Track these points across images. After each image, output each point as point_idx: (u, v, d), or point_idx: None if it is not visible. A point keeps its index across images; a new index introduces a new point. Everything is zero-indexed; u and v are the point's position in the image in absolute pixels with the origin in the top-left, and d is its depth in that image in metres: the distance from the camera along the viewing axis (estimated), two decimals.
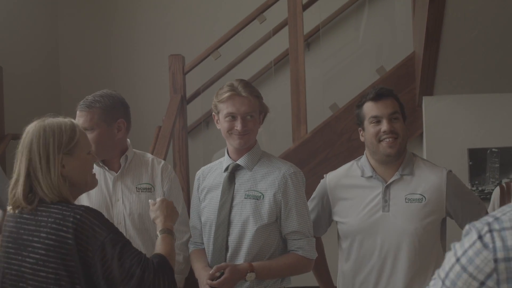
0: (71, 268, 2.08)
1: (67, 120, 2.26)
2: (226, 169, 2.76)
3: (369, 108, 2.78)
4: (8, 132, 5.15)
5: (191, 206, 2.90)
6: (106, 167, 2.88)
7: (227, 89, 2.68)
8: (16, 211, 2.19)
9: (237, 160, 2.74)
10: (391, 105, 2.76)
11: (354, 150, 4.61)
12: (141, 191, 2.87)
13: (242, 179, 2.72)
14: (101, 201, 2.83)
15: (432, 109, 4.48)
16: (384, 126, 2.73)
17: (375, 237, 2.76)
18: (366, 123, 2.81)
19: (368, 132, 2.78)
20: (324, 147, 4.71)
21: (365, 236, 2.78)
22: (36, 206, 2.15)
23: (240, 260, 2.63)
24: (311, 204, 2.92)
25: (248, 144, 2.71)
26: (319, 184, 2.95)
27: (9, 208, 2.24)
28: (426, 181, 2.76)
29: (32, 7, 5.90)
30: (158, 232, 2.37)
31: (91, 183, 2.30)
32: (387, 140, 2.72)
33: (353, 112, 4.56)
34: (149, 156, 3.00)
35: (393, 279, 2.74)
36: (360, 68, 5.77)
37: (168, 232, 2.36)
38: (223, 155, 2.81)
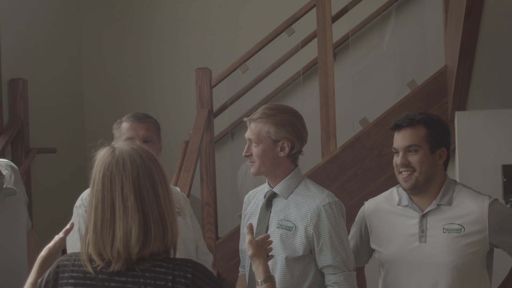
0: None
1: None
2: (265, 195, 2.77)
3: (394, 138, 2.79)
4: (34, 146, 5.22)
5: (240, 229, 2.93)
6: None
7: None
8: (100, 270, 1.85)
9: (274, 187, 2.75)
10: (409, 137, 2.71)
11: (384, 166, 4.64)
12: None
13: (277, 207, 2.73)
14: None
15: (465, 124, 4.48)
16: (398, 159, 2.73)
17: (411, 268, 2.72)
18: None
19: (393, 161, 2.79)
20: (353, 162, 4.73)
21: (401, 267, 2.75)
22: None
23: None
24: (351, 230, 2.92)
25: (256, 173, 2.73)
26: (359, 211, 2.94)
27: (85, 264, 1.89)
28: (465, 211, 2.70)
29: (55, 20, 6.00)
30: (261, 280, 2.30)
31: None
32: (403, 173, 2.72)
33: (384, 127, 4.70)
34: None
35: None
36: (390, 81, 5.79)
37: (271, 280, 2.31)
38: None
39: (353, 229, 2.94)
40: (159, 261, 1.85)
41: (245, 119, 2.77)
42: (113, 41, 6.40)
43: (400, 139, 2.73)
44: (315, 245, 2.63)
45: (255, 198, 2.88)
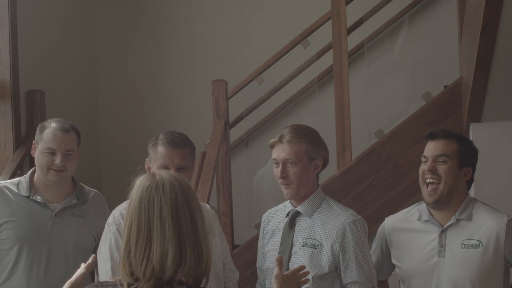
0: None
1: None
2: (288, 214, 2.85)
3: (425, 147, 2.86)
4: None
5: (258, 248, 3.01)
6: None
7: (275, 137, 2.82)
8: None
9: (297, 206, 2.83)
10: (441, 147, 2.80)
11: (399, 177, 4.72)
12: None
13: (302, 226, 2.81)
14: None
15: (480, 135, 4.51)
16: (426, 165, 2.80)
17: (430, 283, 2.79)
18: None
19: (419, 170, 2.85)
20: (369, 173, 4.80)
21: (420, 282, 2.82)
22: None
23: None
24: (373, 245, 3.01)
25: (295, 196, 2.80)
26: (379, 228, 3.03)
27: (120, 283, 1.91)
28: (484, 227, 2.76)
29: (71, 32, 6.05)
30: None
31: None
32: (428, 187, 2.79)
33: (399, 138, 4.77)
34: None
35: None
36: (405, 92, 5.85)
37: None
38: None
39: (374, 244, 3.03)
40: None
41: (272, 140, 2.83)
42: (128, 52, 6.45)
43: (432, 148, 2.82)
44: (341, 262, 2.72)
45: (275, 216, 2.95)
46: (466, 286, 2.74)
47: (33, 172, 3.25)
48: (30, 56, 5.24)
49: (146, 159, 2.89)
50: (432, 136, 2.85)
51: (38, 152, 3.16)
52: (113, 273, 2.73)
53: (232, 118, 5.42)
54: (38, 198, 3.17)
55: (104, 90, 6.45)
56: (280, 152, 2.79)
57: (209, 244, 1.92)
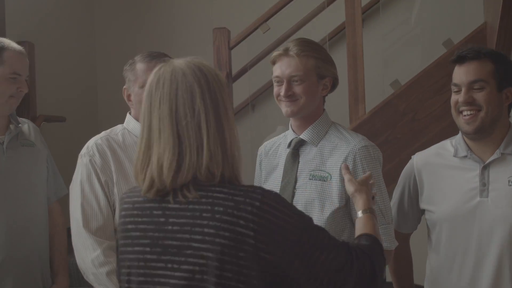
0: (249, 278, 1.65)
1: None
2: (290, 144, 2.58)
3: (454, 73, 2.54)
4: (40, 114, 5.13)
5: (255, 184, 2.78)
6: None
7: (278, 50, 2.53)
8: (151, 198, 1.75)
9: (301, 134, 2.56)
10: (474, 71, 2.47)
11: (418, 132, 4.49)
12: None
13: (307, 156, 2.52)
14: None
15: None
16: (460, 96, 2.48)
17: (471, 228, 2.50)
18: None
19: (451, 100, 2.54)
20: (384, 128, 4.58)
21: (458, 227, 2.52)
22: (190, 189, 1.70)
23: None
24: (394, 195, 2.73)
25: (297, 113, 2.51)
26: (405, 168, 2.73)
27: (129, 196, 1.85)
28: None
29: None
30: (360, 212, 2.12)
31: None
32: (465, 114, 2.48)
33: (418, 90, 4.59)
34: None
35: (496, 280, 2.46)
36: (424, 41, 5.63)
37: (372, 212, 2.11)
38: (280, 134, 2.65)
39: (397, 192, 2.74)
40: (218, 187, 1.69)
41: (275, 53, 2.53)
42: (126, 3, 6.34)
43: (463, 73, 2.50)
44: None
45: (273, 148, 2.69)
46: None
47: None
48: (18, 5, 5.09)
49: (124, 86, 2.74)
50: (461, 60, 2.51)
51: None
52: (83, 210, 2.60)
53: (235, 70, 5.23)
54: None
55: (101, 43, 6.39)
56: (285, 68, 2.50)
57: (234, 143, 1.76)
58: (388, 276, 2.97)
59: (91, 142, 2.72)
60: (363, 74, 4.62)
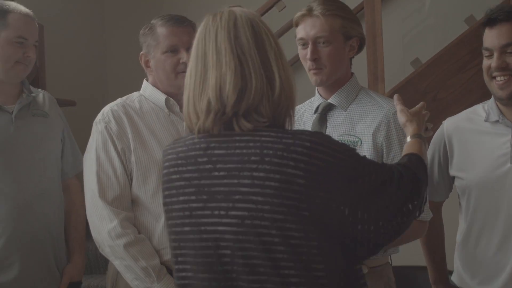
0: (301, 219, 1.61)
1: None
2: (317, 109, 2.46)
3: (484, 36, 2.43)
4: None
5: None
6: None
7: (301, 10, 2.39)
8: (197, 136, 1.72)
9: (329, 98, 2.44)
10: (506, 34, 2.36)
11: (440, 112, 4.34)
12: None
13: (335, 121, 2.41)
14: None
15: None
16: (493, 61, 2.38)
17: (501, 194, 2.41)
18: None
19: (483, 65, 2.44)
20: None
21: (487, 194, 2.44)
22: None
23: None
24: None
25: (326, 81, 2.40)
26: (435, 134, 2.63)
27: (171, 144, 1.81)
28: None
29: None
30: (409, 137, 2.06)
31: None
32: (498, 79, 2.38)
33: (439, 68, 4.48)
34: None
35: None
36: (445, 18, 5.52)
37: (421, 138, 2.04)
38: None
39: (428, 158, 2.61)
40: (265, 131, 1.66)
41: (298, 14, 2.39)
42: None
43: (494, 37, 2.39)
44: (385, 158, 2.35)
45: (297, 116, 2.53)
46: None
47: None
48: None
49: (142, 52, 2.63)
50: (492, 22, 2.40)
51: None
52: (99, 180, 2.48)
53: None
54: None
55: (111, 25, 6.28)
56: (309, 29, 2.36)
57: (290, 77, 1.73)
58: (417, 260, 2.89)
59: (106, 109, 2.60)
60: (383, 53, 4.51)
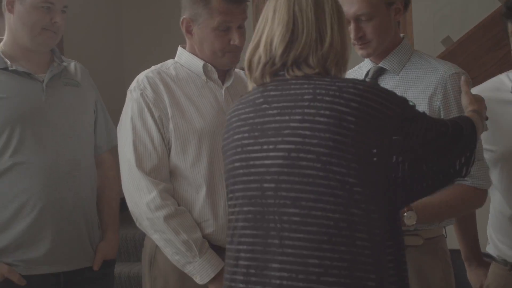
0: (346, 156, 1.65)
1: None
2: (367, 74, 2.39)
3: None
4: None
5: None
6: None
7: None
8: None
9: (380, 63, 2.37)
10: None
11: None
12: None
13: (387, 86, 2.27)
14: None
15: None
16: None
17: None
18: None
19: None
20: None
21: None
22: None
23: None
24: None
25: (373, 53, 2.34)
26: None
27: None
28: None
29: None
30: (468, 112, 2.04)
31: None
32: None
33: (471, 47, 4.41)
34: None
35: None
36: None
37: (479, 114, 2.02)
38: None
39: None
40: (319, 76, 1.75)
41: None
42: None
43: None
44: None
45: None
46: None
47: None
48: None
49: (185, 16, 2.48)
50: None
51: (23, 8, 2.65)
52: (135, 149, 2.38)
53: None
54: (20, 68, 2.67)
55: (128, 13, 6.27)
56: (348, 7, 2.26)
57: (344, 39, 1.82)
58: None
59: (141, 76, 2.49)
60: (412, 31, 4.49)
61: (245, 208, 1.79)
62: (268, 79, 1.80)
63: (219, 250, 2.36)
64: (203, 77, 2.50)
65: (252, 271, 1.75)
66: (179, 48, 2.58)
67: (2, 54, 2.70)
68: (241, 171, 1.80)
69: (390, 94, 1.74)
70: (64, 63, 2.79)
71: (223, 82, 2.53)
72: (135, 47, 6.28)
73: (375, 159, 1.67)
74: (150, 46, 6.09)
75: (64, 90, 2.75)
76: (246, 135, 1.80)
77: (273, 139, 1.73)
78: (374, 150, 1.67)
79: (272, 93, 1.78)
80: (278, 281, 1.70)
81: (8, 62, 2.67)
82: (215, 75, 2.51)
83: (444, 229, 2.42)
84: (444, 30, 5.04)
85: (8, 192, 2.62)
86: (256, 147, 1.77)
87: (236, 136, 1.83)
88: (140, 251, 4.05)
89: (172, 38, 6.17)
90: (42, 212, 2.62)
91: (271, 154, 1.73)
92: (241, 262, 1.79)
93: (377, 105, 1.68)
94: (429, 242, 2.32)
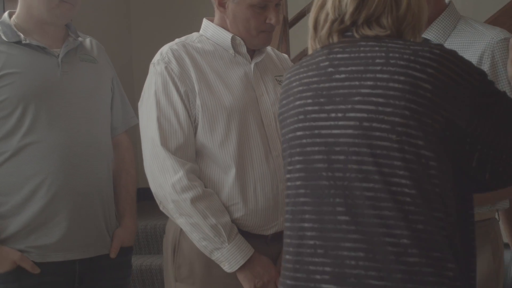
0: (423, 127, 1.52)
1: None
2: None
3: None
4: None
5: None
6: None
7: None
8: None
9: (423, 33, 2.20)
10: None
11: None
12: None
13: None
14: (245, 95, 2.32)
15: None
16: None
17: None
18: None
19: None
20: None
21: None
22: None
23: None
24: None
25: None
26: None
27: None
28: None
29: None
30: None
31: None
32: None
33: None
34: None
35: None
36: None
37: None
38: None
39: None
40: (392, 39, 1.60)
41: None
42: None
43: None
44: None
45: None
46: None
47: (9, 14, 2.62)
48: None
49: None
50: None
51: None
52: (160, 126, 2.22)
53: (291, 14, 4.95)
54: (34, 42, 2.54)
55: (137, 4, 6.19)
56: None
57: (421, 1, 1.67)
58: None
59: (165, 48, 2.34)
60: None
61: (311, 183, 1.63)
62: (335, 39, 1.66)
63: (248, 235, 2.24)
64: (231, 51, 2.36)
65: (321, 251, 1.60)
66: (204, 21, 2.44)
67: (15, 27, 2.57)
68: (304, 140, 1.64)
69: (468, 64, 1.58)
70: (80, 38, 2.67)
71: (251, 57, 2.38)
72: (143, 30, 6.19)
73: (453, 130, 1.54)
74: (158, 29, 5.98)
75: (81, 66, 2.61)
76: (309, 101, 1.64)
77: (342, 106, 1.58)
78: (452, 121, 1.53)
79: (339, 55, 1.62)
80: (353, 262, 1.55)
81: (22, 35, 2.54)
82: (244, 49, 2.37)
83: (497, 212, 2.28)
84: (468, 14, 4.73)
85: (20, 174, 2.47)
86: (322, 115, 1.61)
87: (297, 102, 1.67)
88: (151, 243, 3.91)
89: (180, 21, 6.13)
90: (56, 196, 2.47)
91: (340, 123, 1.58)
92: (306, 242, 1.63)
93: (453, 75, 1.54)
94: (480, 225, 2.17)
